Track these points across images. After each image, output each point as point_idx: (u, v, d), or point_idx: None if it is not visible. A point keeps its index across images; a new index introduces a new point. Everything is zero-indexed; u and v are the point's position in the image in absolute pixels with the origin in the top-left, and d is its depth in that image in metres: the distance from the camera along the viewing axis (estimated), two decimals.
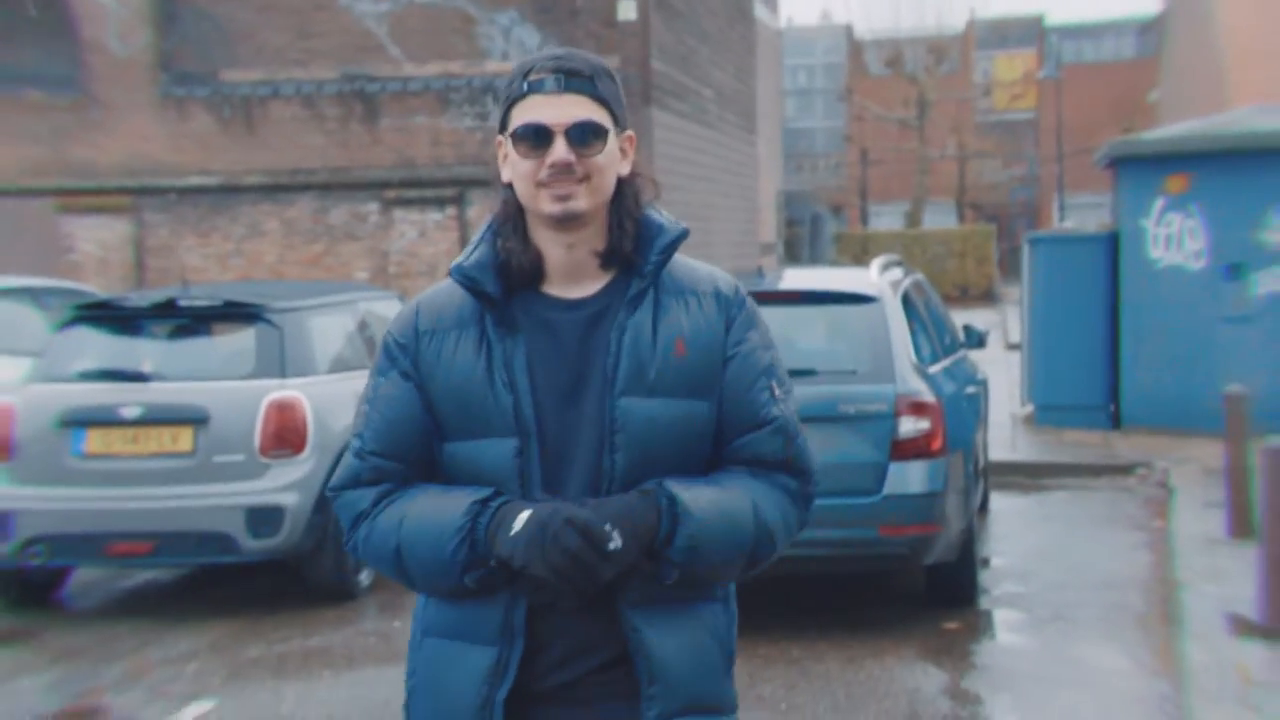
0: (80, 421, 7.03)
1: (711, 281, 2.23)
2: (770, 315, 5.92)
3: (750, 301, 2.22)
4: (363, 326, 8.21)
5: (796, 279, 7.37)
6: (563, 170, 2.09)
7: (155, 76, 15.21)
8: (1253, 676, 5.41)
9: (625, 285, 2.17)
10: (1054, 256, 12.29)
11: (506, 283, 2.14)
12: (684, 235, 2.20)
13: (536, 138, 2.09)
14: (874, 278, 6.73)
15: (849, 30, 57.37)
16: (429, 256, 14.76)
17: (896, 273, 7.14)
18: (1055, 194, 42.07)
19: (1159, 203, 11.61)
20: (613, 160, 2.15)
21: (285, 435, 7.04)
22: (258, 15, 15.49)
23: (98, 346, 7.42)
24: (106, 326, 7.52)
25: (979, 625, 6.65)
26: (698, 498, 2.08)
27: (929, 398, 6.12)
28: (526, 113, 2.11)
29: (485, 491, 2.09)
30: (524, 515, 2.02)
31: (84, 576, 8.01)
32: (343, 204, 14.99)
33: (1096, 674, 5.89)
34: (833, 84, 56.73)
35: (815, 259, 32.49)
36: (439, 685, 2.17)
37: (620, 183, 2.17)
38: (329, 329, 7.79)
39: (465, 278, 2.16)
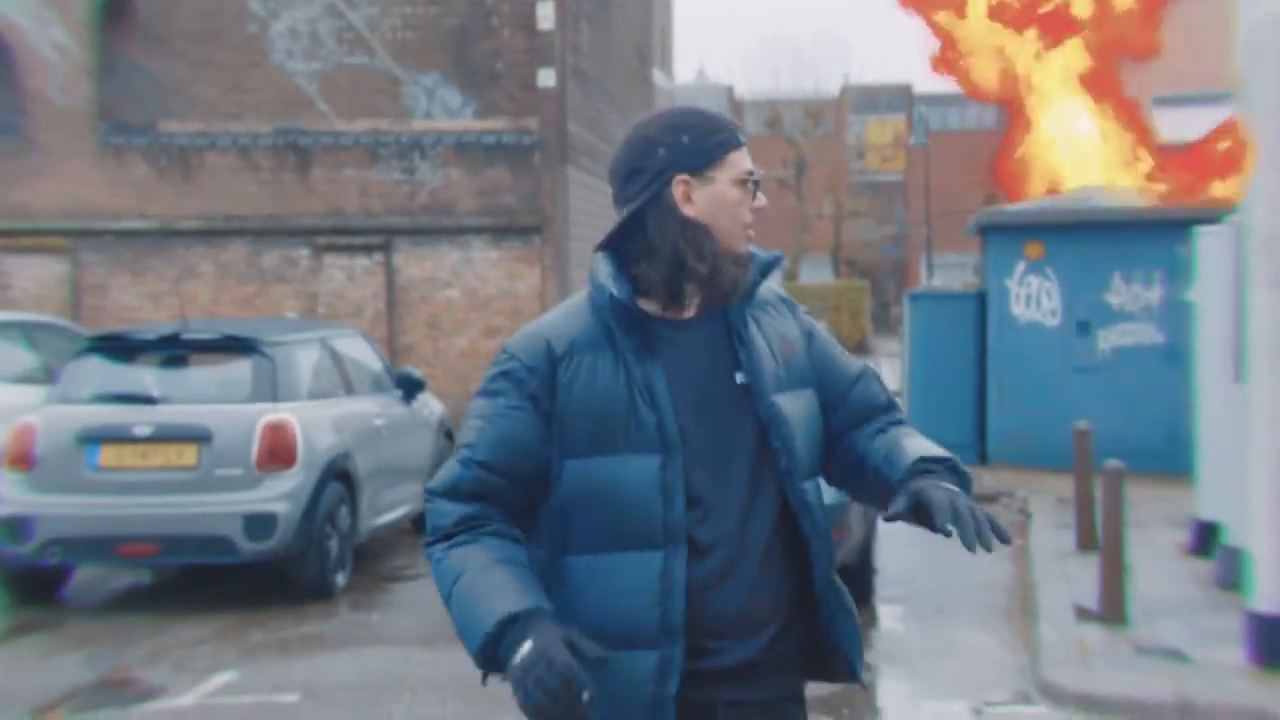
0: (96, 438, 7.98)
1: (772, 292, 2.52)
2: None
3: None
4: (334, 358, 9.27)
5: None
6: (759, 216, 2.41)
7: (94, 126, 16.02)
8: (1090, 649, 6.77)
9: (720, 308, 2.39)
10: (930, 312, 13.84)
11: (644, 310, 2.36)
12: (780, 259, 2.49)
13: (753, 185, 2.38)
14: None
15: (730, 91, 59.49)
16: (357, 299, 15.78)
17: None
18: (923, 253, 44.36)
19: (1020, 266, 13.19)
20: None
21: (278, 452, 8.07)
22: (192, 70, 16.40)
23: (110, 373, 8.39)
24: (117, 356, 8.49)
25: (874, 617, 7.94)
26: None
27: None
28: (744, 161, 2.38)
29: (522, 606, 2.17)
30: (525, 647, 2.11)
31: (82, 577, 8.90)
32: (275, 249, 15.95)
33: (970, 650, 7.22)
34: None
35: None
36: (599, 703, 2.17)
37: None
38: (310, 360, 8.85)
39: (620, 303, 2.33)
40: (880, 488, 2.39)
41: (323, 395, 8.75)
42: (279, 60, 16.45)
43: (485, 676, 2.22)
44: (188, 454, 7.99)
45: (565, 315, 2.39)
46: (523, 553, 2.31)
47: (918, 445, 2.40)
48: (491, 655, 2.15)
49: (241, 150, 16.06)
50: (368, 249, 15.80)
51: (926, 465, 2.33)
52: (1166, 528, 9.71)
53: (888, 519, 2.29)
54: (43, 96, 15.88)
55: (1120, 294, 12.83)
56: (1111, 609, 7.23)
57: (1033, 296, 13.08)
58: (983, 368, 13.38)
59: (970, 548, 2.21)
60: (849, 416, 2.49)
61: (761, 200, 2.38)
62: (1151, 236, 12.55)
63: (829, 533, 2.43)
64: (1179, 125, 20.83)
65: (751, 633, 2.32)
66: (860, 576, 8.02)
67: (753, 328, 2.41)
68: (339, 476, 8.46)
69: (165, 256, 15.96)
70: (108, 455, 7.99)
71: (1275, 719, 5.77)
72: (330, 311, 15.66)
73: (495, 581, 2.21)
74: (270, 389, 8.28)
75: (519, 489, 2.32)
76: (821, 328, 2.53)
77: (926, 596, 8.45)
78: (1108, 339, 12.85)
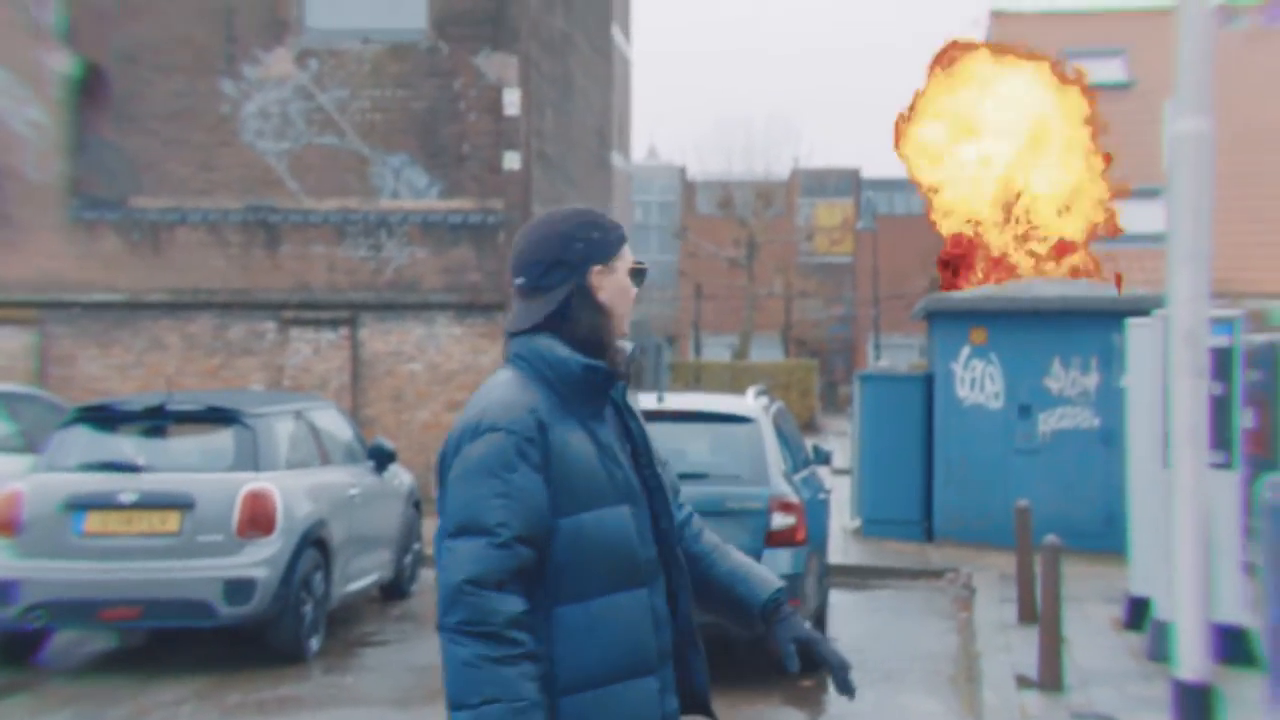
0: (82, 505, 8.28)
1: None
2: (669, 430, 8.02)
3: None
4: (310, 429, 9.63)
5: (690, 402, 9.08)
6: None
7: (67, 201, 16.35)
8: (1028, 714, 7.22)
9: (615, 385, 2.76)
10: (880, 392, 14.39)
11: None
12: (638, 351, 2.88)
13: (639, 275, 2.79)
14: (750, 402, 8.54)
15: (682, 172, 60.54)
16: (322, 372, 16.12)
17: (765, 400, 8.96)
18: (870, 333, 45.21)
19: (965, 350, 13.78)
20: None
21: (258, 519, 8.40)
22: (164, 148, 16.77)
23: (96, 442, 8.71)
24: (103, 425, 8.81)
25: (827, 683, 8.35)
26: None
27: (795, 499, 7.91)
28: (631, 253, 2.77)
29: None
30: None
31: (58, 640, 9.13)
32: (241, 322, 16.28)
33: (917, 714, 7.65)
34: (667, 221, 59.66)
35: (658, 385, 34.57)
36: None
37: None
38: (288, 431, 9.21)
39: (600, 370, 2.66)
40: (733, 606, 2.81)
41: (300, 465, 9.10)
42: (249, 140, 16.87)
43: None
44: (171, 520, 8.30)
45: (520, 390, 2.61)
46: (543, 683, 2.49)
47: (755, 572, 2.85)
48: None
49: (211, 226, 16.45)
50: (334, 323, 16.18)
51: (781, 602, 2.81)
52: (1102, 603, 10.21)
53: (784, 665, 2.79)
54: (16, 172, 16.21)
55: (1059, 379, 13.43)
56: (1050, 677, 7.68)
57: (977, 380, 13.65)
58: (929, 447, 13.90)
59: (841, 693, 2.80)
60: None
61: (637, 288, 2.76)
62: (1088, 325, 13.19)
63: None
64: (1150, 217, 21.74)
65: (665, 660, 2.67)
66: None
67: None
68: (315, 544, 8.79)
69: (133, 328, 16.25)
70: (93, 521, 8.28)
71: None
72: (296, 384, 15.98)
73: None
74: (251, 458, 8.63)
75: (540, 554, 2.53)
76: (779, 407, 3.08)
77: (876, 664, 8.86)
78: (1047, 422, 13.43)
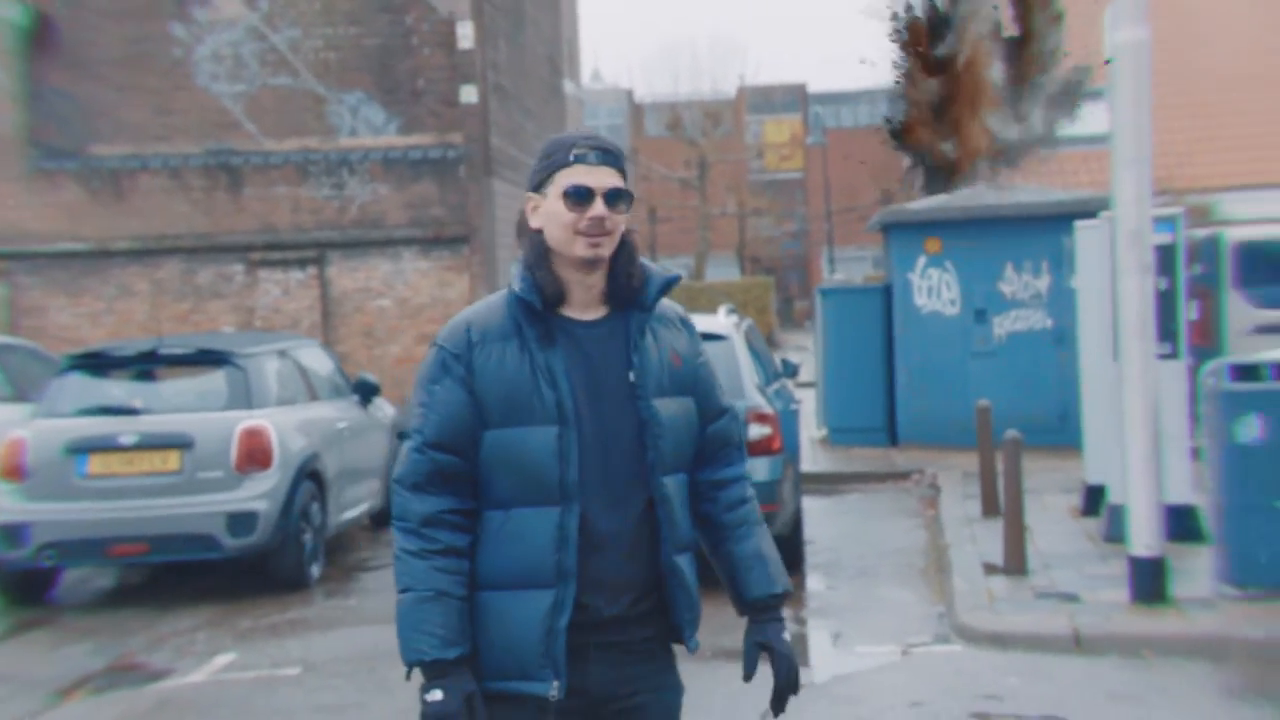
0: (84, 448, 8.58)
1: (674, 310, 2.91)
2: None
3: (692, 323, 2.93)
4: (298, 367, 9.95)
5: None
6: (597, 224, 2.68)
7: (25, 151, 16.40)
8: (996, 595, 7.73)
9: (625, 314, 2.76)
10: (840, 305, 14.82)
11: (543, 305, 2.71)
12: (676, 279, 2.82)
13: (582, 197, 2.68)
14: (722, 320, 8.93)
15: (630, 95, 60.41)
16: (292, 312, 16.36)
17: (735, 317, 9.36)
18: (824, 248, 45.65)
19: (921, 260, 14.20)
20: (625, 221, 2.76)
21: (255, 455, 8.74)
22: (118, 94, 16.79)
23: (92, 388, 8.99)
24: (98, 372, 9.09)
25: (806, 581, 8.83)
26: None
27: (769, 410, 8.33)
28: (573, 177, 2.69)
29: (442, 655, 2.62)
30: (436, 694, 2.63)
31: (69, 578, 9.48)
32: (209, 265, 16.46)
33: (892, 603, 8.15)
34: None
35: None
36: (505, 629, 2.67)
37: (623, 236, 2.76)
38: (276, 369, 9.52)
39: (522, 299, 2.71)
40: (729, 585, 2.90)
41: (290, 402, 9.43)
42: (204, 83, 16.92)
43: (409, 673, 2.73)
44: (171, 459, 8.62)
45: (485, 308, 2.77)
46: (461, 575, 2.67)
47: (763, 566, 2.87)
48: (411, 672, 2.70)
49: (172, 171, 16.55)
50: (301, 263, 16.39)
51: (770, 605, 2.86)
52: (1060, 494, 10.75)
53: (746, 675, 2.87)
54: None
55: (1012, 283, 13.89)
56: (1014, 562, 8.19)
57: (934, 288, 14.10)
58: (890, 356, 14.37)
59: (773, 711, 2.87)
60: (704, 444, 2.88)
61: (597, 210, 2.67)
62: (1038, 229, 13.64)
63: (682, 521, 2.79)
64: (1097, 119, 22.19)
65: (616, 596, 2.71)
66: (792, 545, 8.91)
67: (649, 337, 2.78)
68: (310, 476, 9.15)
69: (101, 276, 16.39)
70: (96, 464, 8.59)
71: (1147, 641, 6.76)
72: (266, 325, 16.21)
73: (429, 618, 2.62)
74: (244, 397, 8.95)
75: (464, 461, 2.68)
76: (705, 359, 2.89)
77: (851, 562, 9.36)
78: (1002, 325, 13.92)
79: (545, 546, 2.64)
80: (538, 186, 2.75)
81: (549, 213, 2.72)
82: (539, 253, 2.73)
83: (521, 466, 2.65)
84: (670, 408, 2.76)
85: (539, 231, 2.74)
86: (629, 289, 2.75)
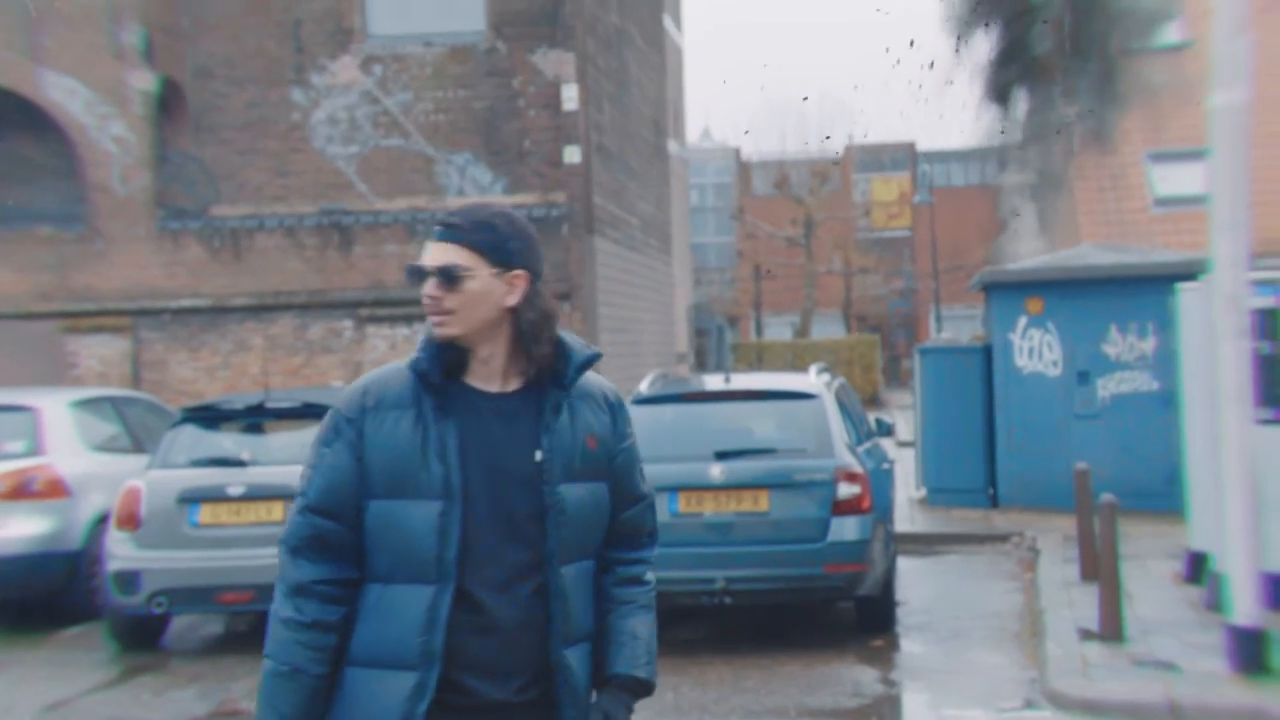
0: (195, 498, 8.91)
1: (601, 389, 2.77)
2: (737, 409, 8.54)
3: (625, 403, 2.80)
4: None
5: (755, 381, 9.54)
6: (431, 302, 2.59)
7: (153, 213, 17.11)
8: (1091, 662, 7.62)
9: (540, 390, 2.65)
10: (940, 365, 14.76)
11: (444, 374, 2.61)
12: (597, 357, 2.71)
13: (418, 276, 2.63)
14: (813, 379, 9.00)
15: (737, 153, 60.81)
16: None
17: (827, 376, 9.41)
18: (932, 306, 45.30)
19: (1022, 320, 14.10)
20: (483, 296, 2.59)
21: None
22: (241, 158, 17.48)
23: (204, 440, 9.33)
24: (209, 424, 9.44)
25: (897, 642, 8.80)
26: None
27: (859, 469, 8.35)
28: (421, 254, 2.65)
29: None
30: None
31: (178, 624, 9.80)
32: (320, 321, 16.96)
33: (984, 667, 8.08)
34: (723, 202, 59.96)
35: (720, 366, 35.11)
36: (365, 710, 2.56)
37: (511, 312, 2.62)
38: None
39: (418, 368, 2.61)
40: (598, 654, 2.74)
41: None
42: (320, 145, 17.53)
43: None
44: (276, 510, 8.90)
45: (388, 373, 2.68)
46: (324, 652, 2.60)
47: (629, 654, 2.73)
48: None
49: (288, 230, 17.12)
50: (408, 319, 16.79)
51: (627, 685, 2.72)
52: (1164, 560, 10.56)
53: None
54: (105, 187, 16.97)
55: (1116, 344, 13.73)
56: (1110, 628, 8.07)
57: (1035, 349, 13.99)
58: (991, 416, 14.25)
59: None
60: (616, 528, 2.78)
61: (426, 289, 2.60)
62: (1143, 290, 13.47)
63: (578, 612, 2.67)
64: (1175, 179, 21.83)
65: (503, 681, 2.59)
66: (883, 606, 8.89)
67: (564, 415, 2.65)
68: None
69: (219, 332, 16.98)
70: (206, 514, 8.91)
71: (1251, 714, 6.62)
72: None
73: (281, 696, 2.60)
74: None
75: (344, 528, 2.60)
76: (629, 443, 2.77)
77: (945, 623, 9.30)
78: (1106, 386, 13.73)
79: (413, 626, 2.54)
80: None
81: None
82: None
83: (401, 540, 2.57)
84: (578, 493, 2.65)
85: None
86: (542, 365, 2.64)
